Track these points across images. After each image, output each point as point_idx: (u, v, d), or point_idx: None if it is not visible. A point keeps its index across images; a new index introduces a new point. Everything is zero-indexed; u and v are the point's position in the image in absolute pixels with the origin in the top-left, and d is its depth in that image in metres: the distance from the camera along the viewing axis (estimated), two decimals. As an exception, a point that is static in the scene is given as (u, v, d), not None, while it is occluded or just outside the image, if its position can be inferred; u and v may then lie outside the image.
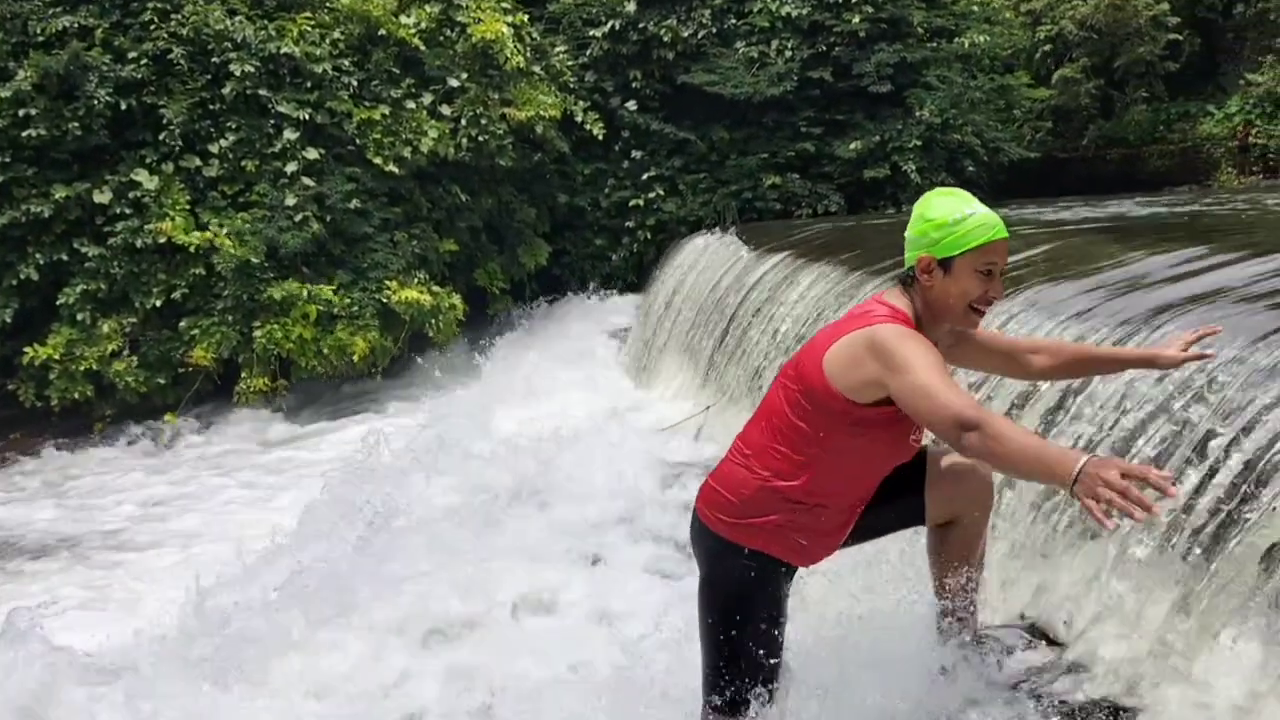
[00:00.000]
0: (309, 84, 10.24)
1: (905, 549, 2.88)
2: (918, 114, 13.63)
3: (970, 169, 14.46)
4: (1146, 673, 2.54)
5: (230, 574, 4.56)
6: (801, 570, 2.58)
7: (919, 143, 13.57)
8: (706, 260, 10.26)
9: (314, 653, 3.75)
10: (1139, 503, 1.79)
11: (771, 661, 2.43)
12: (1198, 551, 2.60)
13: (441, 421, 8.41)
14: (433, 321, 10.33)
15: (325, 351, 9.61)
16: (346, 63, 10.57)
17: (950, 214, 2.34)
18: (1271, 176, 21.12)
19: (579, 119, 12.60)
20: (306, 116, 10.03)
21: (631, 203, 13.38)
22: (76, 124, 9.27)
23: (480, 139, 11.02)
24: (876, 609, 2.90)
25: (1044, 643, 2.84)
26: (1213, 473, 2.69)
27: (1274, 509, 2.45)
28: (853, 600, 2.95)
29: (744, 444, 2.51)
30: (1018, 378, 2.83)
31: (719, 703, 2.44)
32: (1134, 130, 22.54)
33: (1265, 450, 2.58)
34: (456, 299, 10.75)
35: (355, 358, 9.66)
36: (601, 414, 8.06)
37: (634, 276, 13.42)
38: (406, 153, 10.47)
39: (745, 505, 2.42)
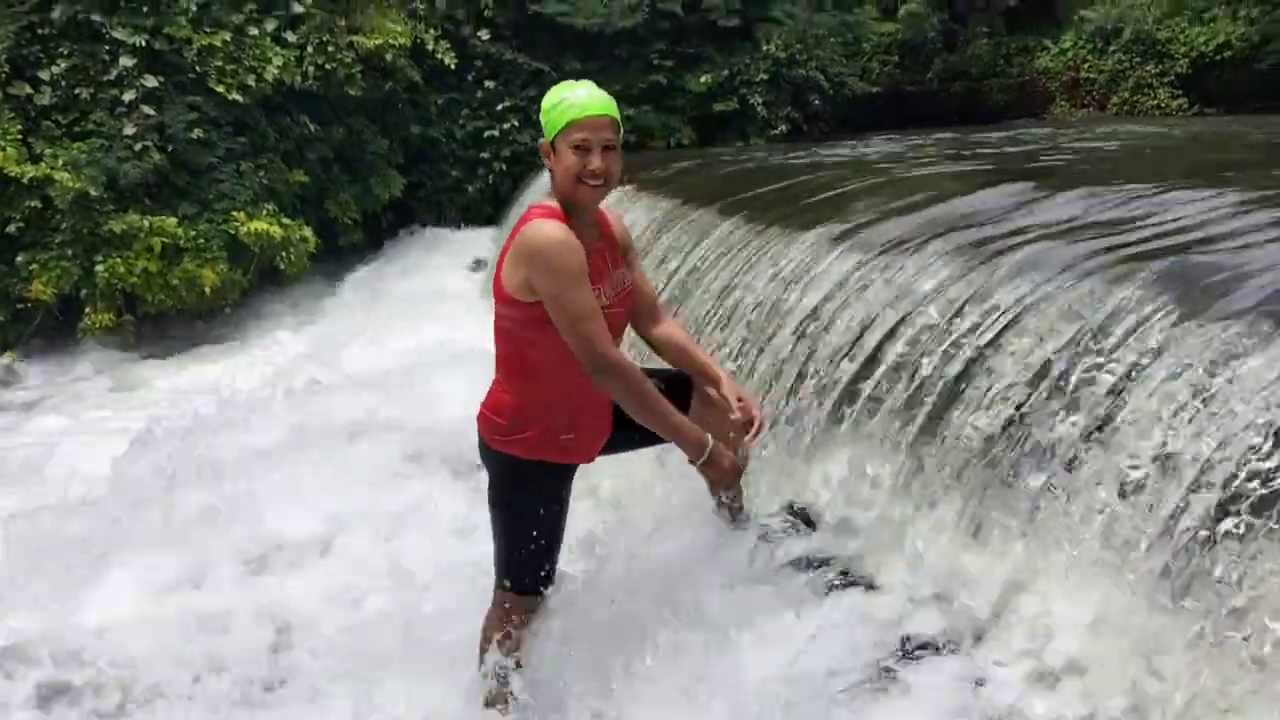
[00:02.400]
0: (145, 8, 9.94)
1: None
2: (765, 48, 14.02)
3: (816, 103, 14.98)
4: (875, 545, 3.02)
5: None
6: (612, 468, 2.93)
7: (766, 77, 13.97)
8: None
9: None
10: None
11: (553, 547, 2.79)
12: (919, 434, 3.09)
13: (290, 357, 8.54)
14: (284, 254, 10.28)
15: (174, 284, 9.50)
16: (184, -14, 10.29)
17: (549, 100, 2.64)
18: (1100, 110, 22.38)
19: (430, 48, 12.54)
20: (144, 42, 9.75)
21: (486, 133, 13.43)
22: (-108, 48, 8.86)
23: (328, 67, 10.90)
24: (677, 503, 3.33)
25: (804, 525, 3.30)
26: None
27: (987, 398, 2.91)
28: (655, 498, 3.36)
29: (496, 368, 2.81)
30: (635, 329, 3.06)
31: (508, 584, 2.82)
32: (976, 64, 23.49)
33: (967, 336, 3.03)
34: (308, 231, 10.70)
35: (206, 289, 9.59)
36: (457, 347, 8.19)
37: (491, 209, 13.48)
38: (251, 81, 10.29)
39: (509, 423, 2.72)
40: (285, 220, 10.38)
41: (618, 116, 2.67)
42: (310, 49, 10.83)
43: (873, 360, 3.52)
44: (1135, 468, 2.38)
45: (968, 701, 2.44)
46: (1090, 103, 22.76)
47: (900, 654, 2.69)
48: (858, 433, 3.45)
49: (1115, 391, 2.57)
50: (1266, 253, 2.90)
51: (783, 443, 3.65)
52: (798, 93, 14.58)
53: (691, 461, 2.73)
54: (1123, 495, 2.42)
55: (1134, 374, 2.55)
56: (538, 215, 2.64)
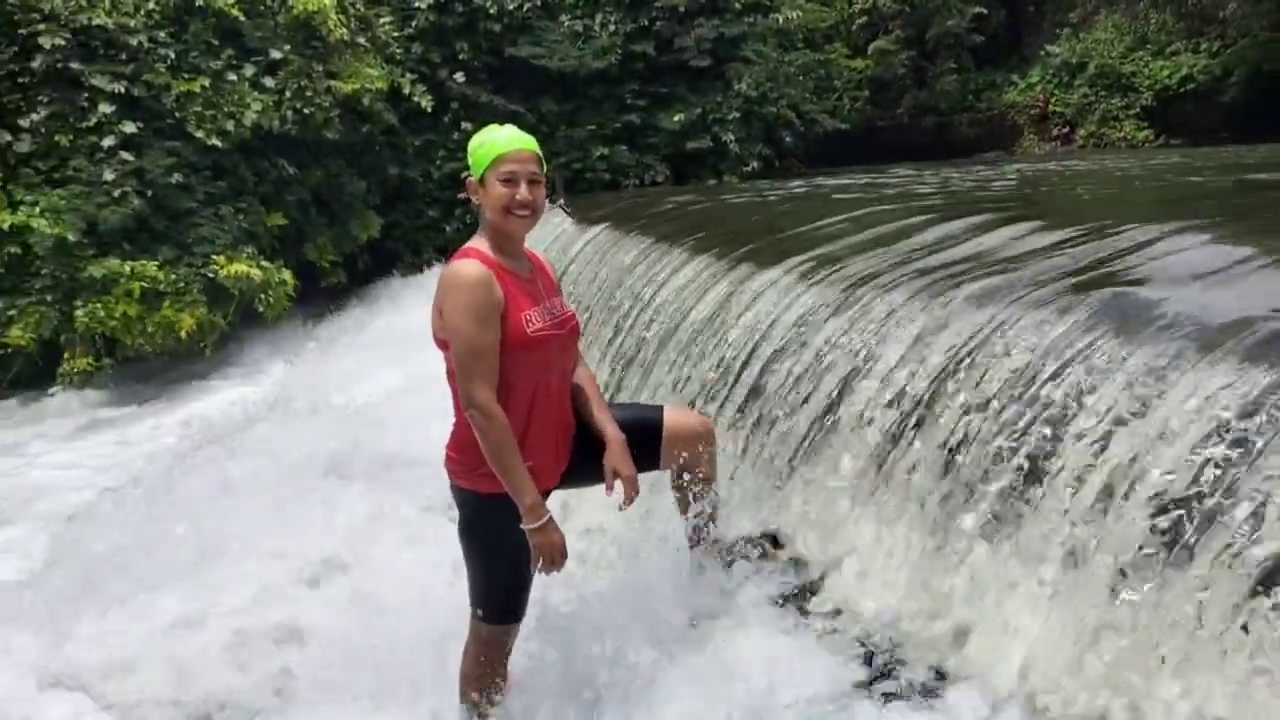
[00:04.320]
0: (124, 56, 10.08)
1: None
2: (736, 87, 14.30)
3: (788, 140, 15.25)
4: (844, 571, 3.14)
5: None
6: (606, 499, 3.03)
7: (738, 115, 14.25)
8: (537, 231, 10.63)
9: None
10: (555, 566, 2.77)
11: (524, 578, 2.88)
12: (882, 460, 3.21)
13: (271, 396, 8.59)
14: (263, 296, 10.38)
15: (151, 329, 9.57)
16: (163, 34, 10.43)
17: (476, 140, 2.81)
18: (1067, 143, 22.80)
19: (406, 91, 12.75)
20: (122, 89, 9.89)
21: (464, 174, 13.55)
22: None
23: (306, 111, 11.07)
24: (652, 529, 3.44)
25: (773, 547, 3.41)
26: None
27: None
28: (631, 524, 3.46)
29: (454, 409, 2.91)
30: None
31: (481, 614, 2.90)
32: (945, 99, 23.94)
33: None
34: (287, 274, 10.81)
35: (182, 335, 9.66)
36: (435, 383, 8.25)
37: (468, 247, 13.61)
38: (229, 125, 10.45)
39: (469, 459, 2.84)
40: (264, 263, 10.49)
41: (541, 154, 2.86)
42: (288, 94, 10.99)
43: (840, 393, 3.64)
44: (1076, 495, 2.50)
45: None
46: (1058, 136, 23.20)
47: (868, 679, 2.78)
48: (826, 461, 3.57)
49: (1056, 420, 2.69)
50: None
51: (756, 470, 3.76)
52: (769, 130, 14.86)
53: (529, 527, 2.80)
54: (1073, 519, 2.53)
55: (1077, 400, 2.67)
56: (460, 256, 2.80)
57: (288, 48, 11.12)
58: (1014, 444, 2.81)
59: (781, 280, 4.79)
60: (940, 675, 2.66)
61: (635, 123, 14.28)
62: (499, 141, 2.78)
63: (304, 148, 11.47)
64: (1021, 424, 2.82)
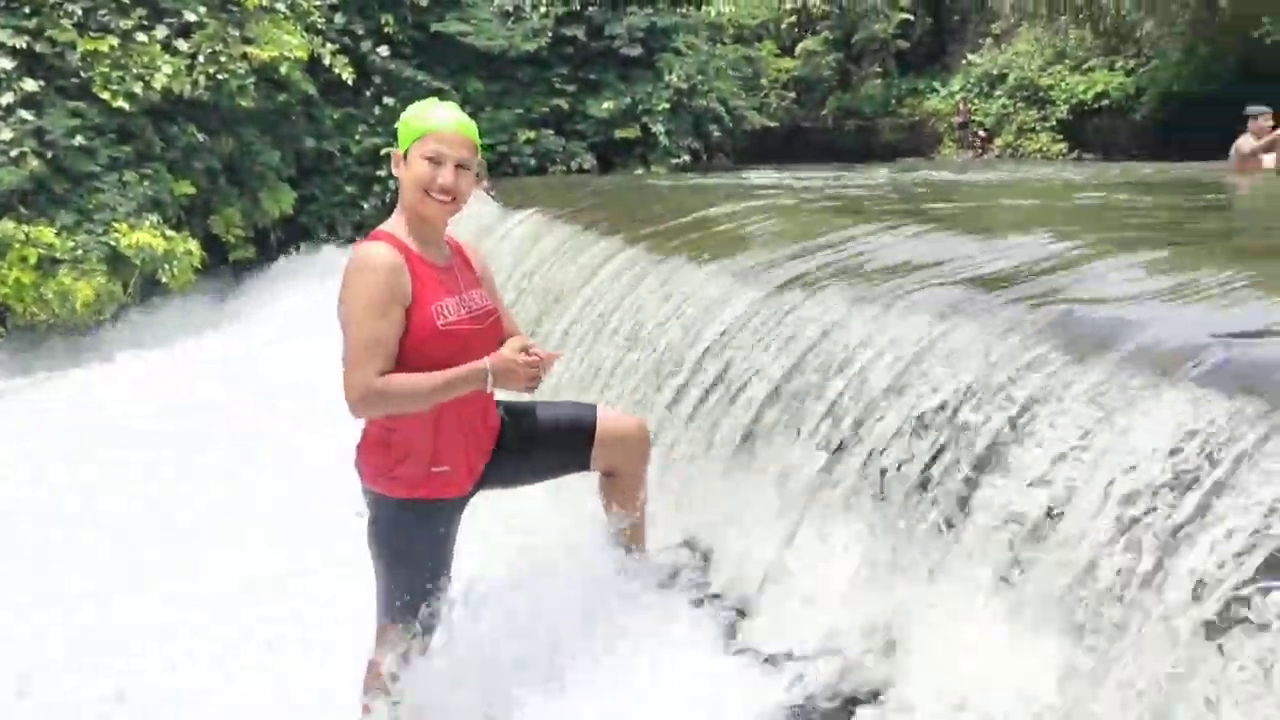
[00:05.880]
0: (27, 9, 9.55)
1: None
2: (666, 78, 14.18)
3: (716, 134, 15.20)
4: (768, 574, 3.07)
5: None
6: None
7: (667, 106, 14.13)
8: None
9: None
10: (540, 365, 2.67)
11: (436, 586, 2.72)
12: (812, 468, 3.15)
13: (172, 372, 8.24)
14: (167, 268, 9.92)
15: (48, 297, 9.09)
16: (69, -12, 9.91)
17: (409, 111, 2.65)
18: (984, 152, 23.25)
19: (327, 61, 12.33)
20: (24, 45, 9.36)
21: (384, 150, 13.24)
22: None
23: (219, 77, 10.61)
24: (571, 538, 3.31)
25: (698, 555, 3.33)
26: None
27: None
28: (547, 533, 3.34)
29: None
30: None
31: (387, 621, 2.74)
32: (869, 103, 24.19)
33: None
34: (193, 244, 10.36)
35: (79, 305, 9.19)
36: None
37: (387, 226, 13.29)
38: (138, 88, 9.95)
39: (380, 461, 2.68)
40: (169, 233, 10.03)
41: (478, 142, 2.68)
42: (201, 58, 10.53)
43: (771, 397, 3.55)
44: (1022, 510, 2.45)
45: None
46: (976, 145, 23.64)
47: (791, 688, 2.70)
48: (753, 468, 3.49)
49: (1004, 436, 2.64)
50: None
51: (681, 477, 3.67)
52: (698, 123, 14.79)
53: (488, 391, 2.68)
54: (1014, 533, 2.48)
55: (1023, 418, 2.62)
56: (371, 238, 2.62)
57: (203, 10, 10.64)
58: (948, 462, 2.75)
59: (711, 280, 4.70)
60: (873, 695, 2.58)
61: (564, 108, 14.06)
62: (432, 118, 2.61)
63: (216, 115, 11.01)
64: (957, 441, 2.76)
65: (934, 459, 2.76)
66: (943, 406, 2.83)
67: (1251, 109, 9.51)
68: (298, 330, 8.69)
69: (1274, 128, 9.10)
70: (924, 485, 2.76)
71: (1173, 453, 2.11)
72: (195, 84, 10.45)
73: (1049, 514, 2.36)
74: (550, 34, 13.85)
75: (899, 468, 2.87)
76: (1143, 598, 2.04)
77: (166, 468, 5.27)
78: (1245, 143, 9.52)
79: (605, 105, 14.00)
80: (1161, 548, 2.06)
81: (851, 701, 2.58)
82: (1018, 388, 2.65)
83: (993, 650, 2.35)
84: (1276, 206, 6.86)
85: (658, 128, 14.02)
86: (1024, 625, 2.30)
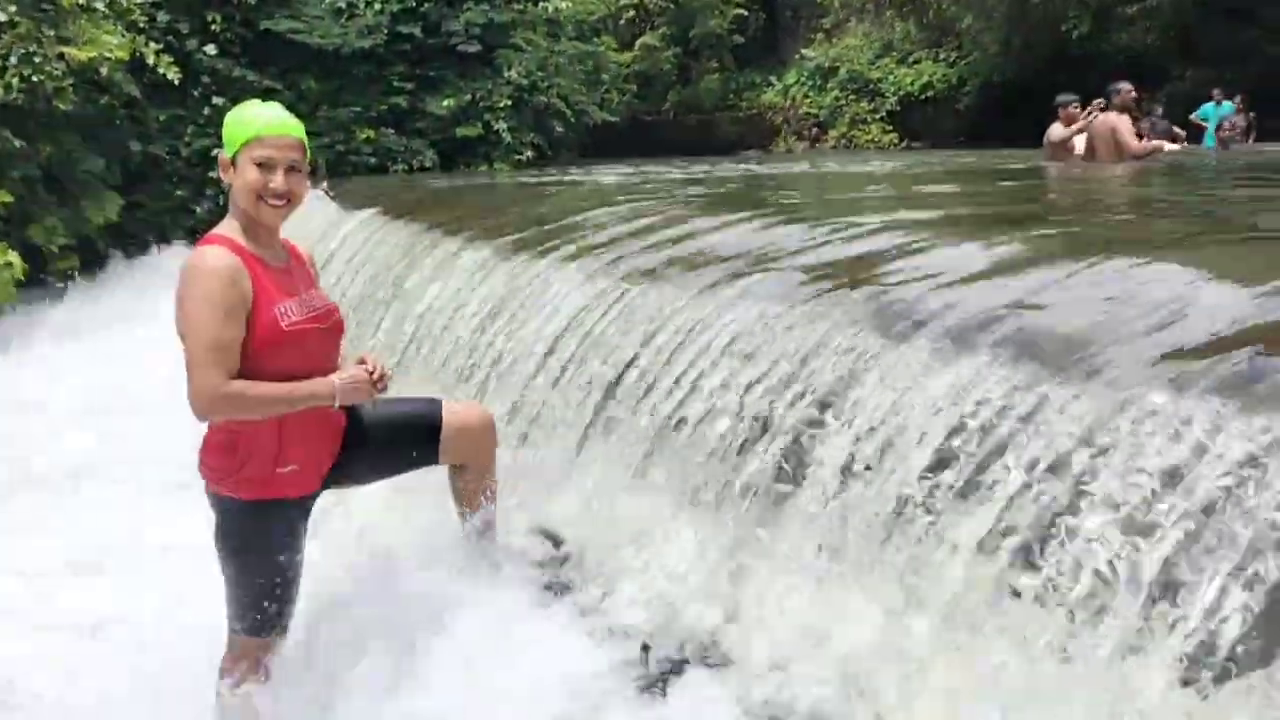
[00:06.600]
0: None
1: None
2: (506, 74, 14.18)
3: (559, 130, 15.28)
4: (614, 557, 3.19)
5: None
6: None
7: (509, 102, 14.14)
8: (295, 215, 10.15)
9: None
10: (378, 384, 2.77)
11: (287, 589, 2.73)
12: (652, 455, 3.28)
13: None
14: (-15, 281, 9.40)
15: None
16: None
17: (233, 115, 2.64)
18: (818, 143, 24.06)
19: (150, 61, 11.83)
20: None
21: (215, 152, 12.79)
22: None
23: (35, 79, 10.08)
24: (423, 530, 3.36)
25: (550, 543, 3.42)
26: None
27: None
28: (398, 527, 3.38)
29: None
30: None
31: (239, 627, 2.73)
32: (708, 97, 24.71)
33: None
34: (14, 256, 9.79)
35: (-116, 324, 8.63)
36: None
37: (222, 230, 12.88)
38: (-56, 92, 9.41)
39: (223, 464, 2.67)
40: (-15, 244, 9.49)
41: (305, 140, 2.70)
42: (14, 60, 9.98)
43: (613, 387, 3.67)
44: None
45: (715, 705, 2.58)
46: (811, 136, 24.44)
47: (643, 666, 2.81)
48: (599, 455, 3.60)
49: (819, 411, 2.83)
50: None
51: (530, 466, 3.74)
52: (540, 119, 14.84)
53: (338, 408, 2.75)
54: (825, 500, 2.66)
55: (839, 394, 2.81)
56: (205, 243, 2.61)
57: (13, 9, 10.08)
58: (775, 438, 2.92)
59: (554, 273, 4.79)
60: (706, 662, 2.72)
61: (403, 106, 13.89)
62: (257, 121, 2.59)
63: (32, 119, 10.45)
64: (783, 419, 2.93)
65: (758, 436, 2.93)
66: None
67: (1061, 98, 10.07)
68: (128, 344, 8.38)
69: (1084, 114, 9.63)
70: (749, 459, 2.93)
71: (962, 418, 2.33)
72: (8, 87, 9.90)
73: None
74: (386, 31, 13.67)
75: (731, 446, 3.03)
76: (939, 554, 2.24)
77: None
78: (1056, 130, 10.07)
79: (445, 103, 13.90)
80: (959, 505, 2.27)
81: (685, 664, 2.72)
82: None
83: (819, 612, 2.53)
84: (1072, 190, 7.38)
85: (500, 125, 14.02)
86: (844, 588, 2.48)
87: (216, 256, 2.53)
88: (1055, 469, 2.12)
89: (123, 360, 7.55)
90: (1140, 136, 9.58)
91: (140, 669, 3.04)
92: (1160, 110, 14.32)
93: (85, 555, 4.31)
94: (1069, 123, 9.91)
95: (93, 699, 2.99)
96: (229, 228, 2.66)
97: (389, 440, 3.00)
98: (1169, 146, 11.14)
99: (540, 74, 14.46)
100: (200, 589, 3.00)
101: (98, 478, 5.29)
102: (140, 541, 4.39)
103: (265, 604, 2.70)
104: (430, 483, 3.37)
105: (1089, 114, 9.45)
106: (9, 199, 10.12)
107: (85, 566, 4.24)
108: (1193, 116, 15.24)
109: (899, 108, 23.24)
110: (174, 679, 2.92)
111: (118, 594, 3.87)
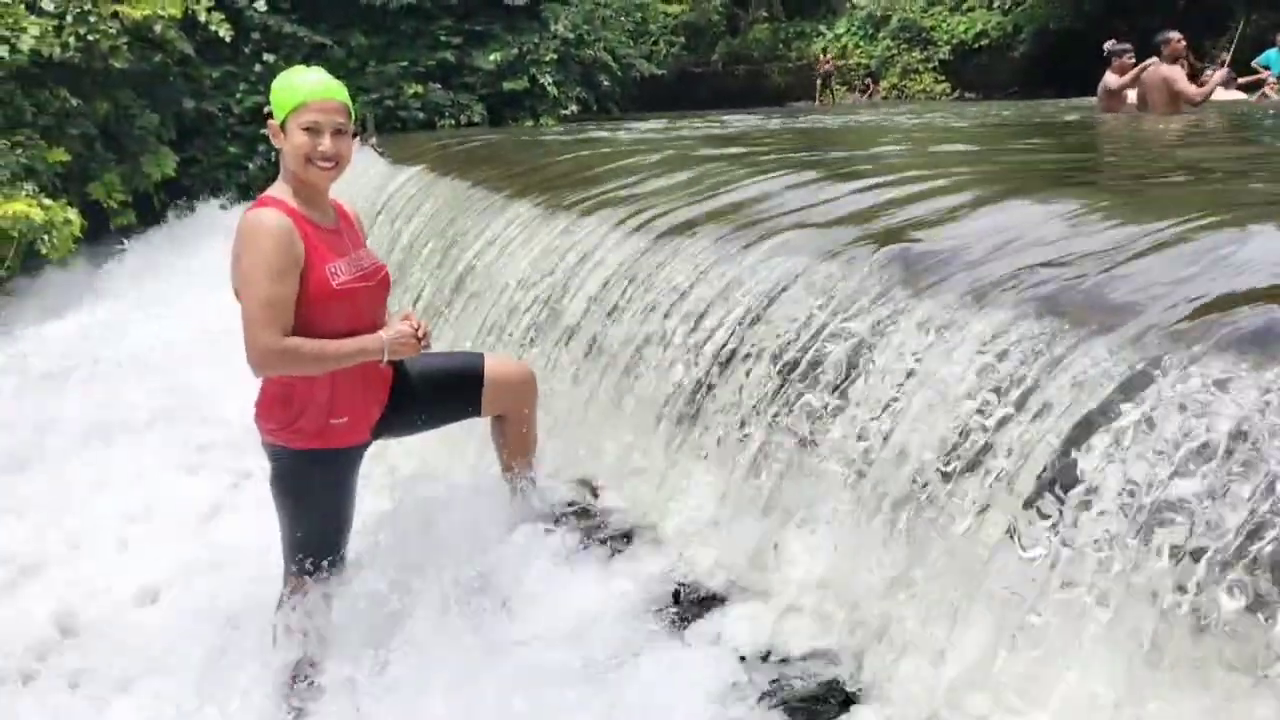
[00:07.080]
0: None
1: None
2: (553, 28, 14.15)
3: (605, 83, 15.24)
4: (649, 507, 3.28)
5: None
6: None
7: (555, 57, 14.13)
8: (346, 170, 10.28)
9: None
10: (423, 340, 2.88)
11: (339, 532, 2.90)
12: (688, 410, 3.36)
13: (62, 344, 8.08)
14: (46, 238, 9.65)
15: (-79, 273, 8.81)
16: (-76, -52, 9.49)
17: (280, 81, 2.74)
18: (870, 94, 23.69)
19: (203, 19, 12.00)
20: (-124, 8, 8.98)
21: (266, 109, 12.95)
22: None
23: (90, 38, 10.29)
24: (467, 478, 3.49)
25: (589, 493, 3.52)
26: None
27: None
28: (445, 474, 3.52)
29: None
30: None
31: (295, 569, 2.89)
32: (757, 47, 24.43)
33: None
34: (72, 213, 10.06)
35: (-49, 279, 8.93)
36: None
37: (275, 186, 13.09)
38: (3, 51, 9.61)
39: (278, 415, 2.81)
40: (46, 201, 9.74)
41: (350, 103, 2.80)
42: (70, 18, 10.19)
43: (646, 342, 3.74)
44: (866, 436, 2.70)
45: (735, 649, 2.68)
46: (862, 87, 24.08)
47: (675, 612, 2.92)
48: (636, 409, 3.68)
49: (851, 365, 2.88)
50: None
51: (571, 417, 3.84)
52: (587, 73, 14.81)
53: (386, 363, 2.88)
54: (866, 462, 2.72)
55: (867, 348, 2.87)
56: (259, 205, 2.72)
57: (68, -32, 10.28)
58: (809, 396, 2.98)
59: (596, 228, 4.85)
60: (729, 596, 2.82)
61: (450, 61, 13.94)
62: (304, 87, 2.70)
63: (89, 78, 10.67)
64: (816, 377, 2.99)
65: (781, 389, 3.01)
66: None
67: (1113, 47, 9.85)
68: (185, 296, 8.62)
69: (1135, 64, 9.43)
70: (780, 413, 3.00)
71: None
72: (65, 46, 10.11)
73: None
74: (433, -15, 13.70)
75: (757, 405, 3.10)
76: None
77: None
78: (1111, 80, 9.87)
79: (492, 57, 13.92)
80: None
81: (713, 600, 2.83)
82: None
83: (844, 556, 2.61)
84: (1123, 147, 7.26)
85: (546, 79, 14.02)
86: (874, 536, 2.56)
87: (271, 218, 2.65)
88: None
89: (181, 316, 7.77)
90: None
91: (203, 610, 3.23)
92: (1225, 58, 13.91)
93: (145, 504, 4.52)
94: (1122, 72, 9.71)
95: (155, 633, 3.18)
96: (281, 190, 2.77)
97: (434, 393, 3.12)
98: (1226, 93, 10.84)
99: (587, 27, 14.41)
100: (258, 533, 3.18)
101: (156, 431, 5.50)
102: (199, 492, 4.60)
103: (318, 546, 2.86)
104: (475, 433, 3.49)
105: (1143, 68, 9.26)
106: (66, 157, 10.37)
107: (142, 515, 4.45)
108: (1255, 63, 14.80)
109: (951, 57, 22.81)
110: (237, 615, 3.10)
111: (180, 542, 4.07)
